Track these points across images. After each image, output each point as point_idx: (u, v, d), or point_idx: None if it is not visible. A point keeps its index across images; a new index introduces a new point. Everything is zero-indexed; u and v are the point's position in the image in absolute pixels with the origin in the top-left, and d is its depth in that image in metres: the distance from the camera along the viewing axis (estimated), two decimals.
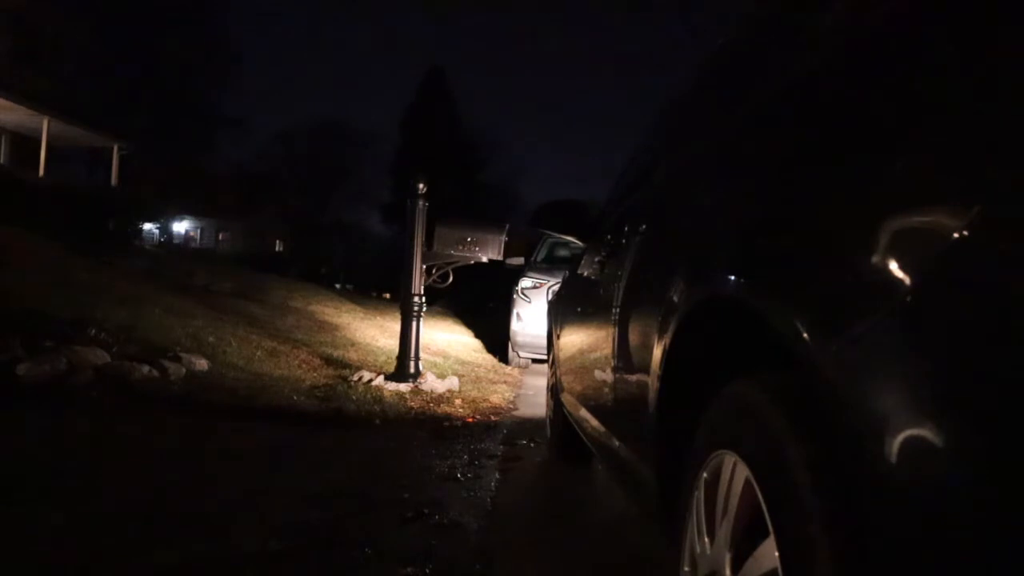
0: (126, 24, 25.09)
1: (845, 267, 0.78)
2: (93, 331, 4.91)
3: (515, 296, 8.56)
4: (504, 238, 6.14)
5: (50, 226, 10.58)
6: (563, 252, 8.55)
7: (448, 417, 4.71)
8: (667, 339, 1.36)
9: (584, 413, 2.55)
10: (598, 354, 2.25)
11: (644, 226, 1.94)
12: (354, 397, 4.98)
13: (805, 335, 0.81)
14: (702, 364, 1.30)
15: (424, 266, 5.85)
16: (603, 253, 2.47)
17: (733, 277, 1.12)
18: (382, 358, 7.05)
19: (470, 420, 4.70)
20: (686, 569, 1.19)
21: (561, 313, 3.57)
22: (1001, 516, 0.57)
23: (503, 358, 8.88)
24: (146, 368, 4.51)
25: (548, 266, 8.67)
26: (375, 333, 9.42)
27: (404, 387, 5.39)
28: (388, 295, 16.98)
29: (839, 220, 0.82)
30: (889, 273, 0.68)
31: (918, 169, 0.70)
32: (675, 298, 1.35)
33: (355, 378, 5.60)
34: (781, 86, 1.22)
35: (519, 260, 9.42)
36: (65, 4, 21.36)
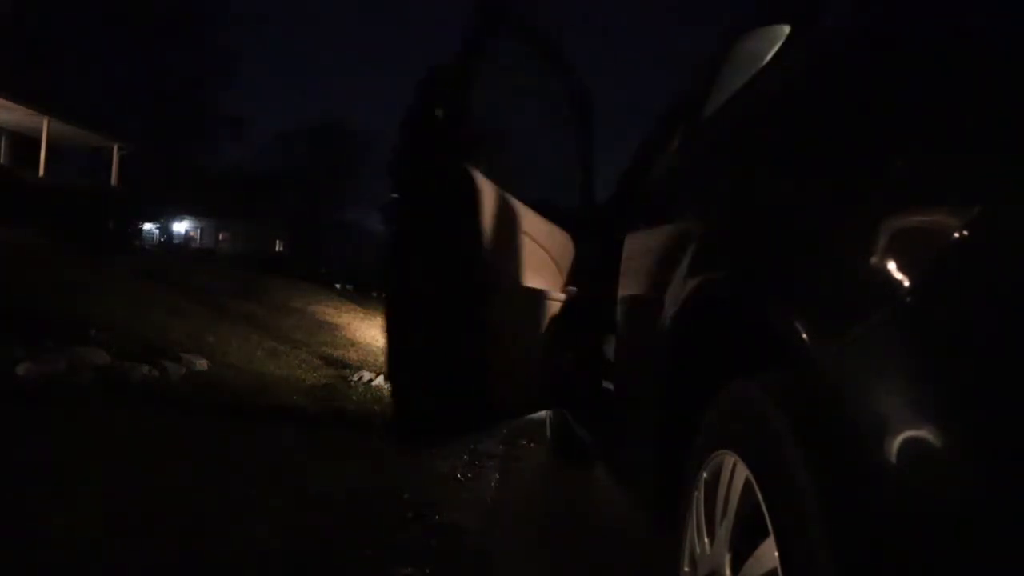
0: (127, 24, 25.09)
1: (845, 267, 0.78)
2: (93, 331, 4.91)
3: None
4: None
5: (50, 226, 10.57)
6: None
7: None
8: (667, 340, 1.36)
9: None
10: None
11: (644, 225, 1.95)
12: (354, 397, 4.98)
13: (805, 335, 0.81)
14: (702, 364, 1.30)
15: None
16: (602, 251, 2.47)
17: (734, 277, 1.12)
18: (382, 358, 7.05)
19: None
20: (686, 569, 1.19)
21: None
22: (1001, 516, 0.57)
23: None
24: (146, 368, 4.51)
25: None
26: (375, 333, 9.42)
27: None
28: None
29: (839, 220, 0.82)
30: (889, 273, 0.68)
31: (918, 169, 0.71)
32: (675, 298, 1.35)
33: (355, 378, 5.61)
34: (782, 85, 1.22)
35: None
36: (66, 4, 21.36)
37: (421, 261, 1.94)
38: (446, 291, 1.91)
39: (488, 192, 1.96)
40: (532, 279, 2.21)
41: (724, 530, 1.02)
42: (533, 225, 2.29)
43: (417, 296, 1.95)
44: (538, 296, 2.23)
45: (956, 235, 0.62)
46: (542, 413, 4.07)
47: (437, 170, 1.97)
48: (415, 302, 1.95)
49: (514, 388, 2.18)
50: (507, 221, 2.08)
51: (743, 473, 0.96)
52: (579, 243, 2.74)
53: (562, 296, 2.44)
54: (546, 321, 2.30)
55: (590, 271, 2.67)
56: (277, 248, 36.37)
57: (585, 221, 2.82)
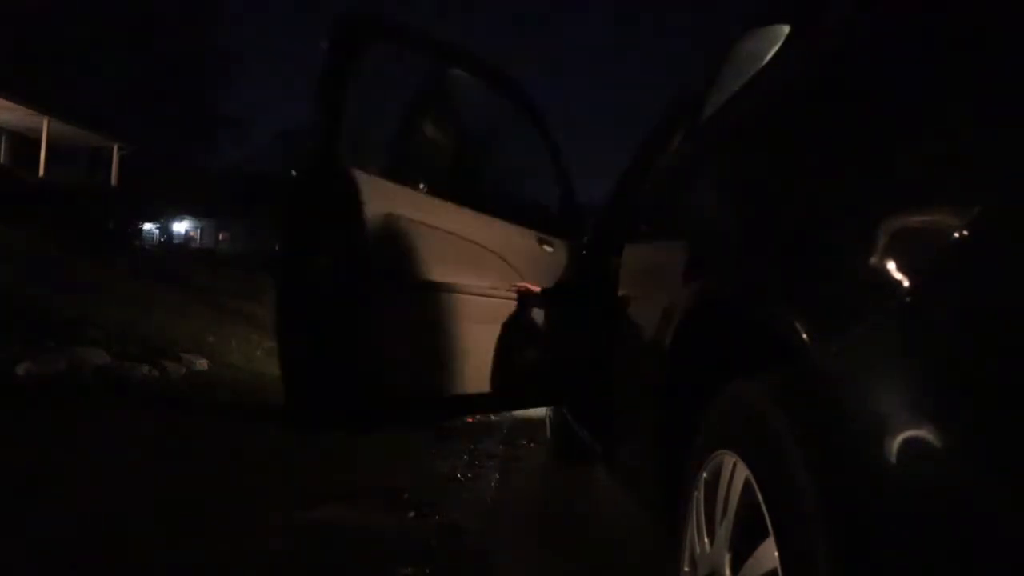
0: (126, 24, 25.09)
1: (845, 268, 0.78)
2: (93, 331, 4.91)
3: None
4: None
5: (50, 226, 10.58)
6: None
7: None
8: (667, 340, 1.36)
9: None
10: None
11: (643, 227, 1.95)
12: None
13: (805, 336, 0.81)
14: (702, 364, 1.30)
15: None
16: (600, 252, 2.47)
17: (734, 278, 1.12)
18: None
19: (470, 420, 4.70)
20: (686, 569, 1.19)
21: None
22: (999, 515, 0.57)
23: None
24: (146, 368, 4.51)
25: None
26: None
27: None
28: None
29: (839, 221, 0.82)
30: (889, 273, 0.69)
31: (918, 169, 0.71)
32: (675, 299, 1.35)
33: None
34: (782, 85, 1.22)
35: None
36: (66, 5, 21.36)
37: (303, 255, 2.02)
38: (325, 283, 1.97)
39: (371, 191, 1.98)
40: (449, 273, 2.18)
41: (724, 530, 1.02)
42: (457, 222, 2.27)
43: (298, 287, 2.00)
44: (452, 289, 2.20)
45: (956, 235, 0.62)
46: (542, 413, 4.07)
47: (314, 171, 2.04)
48: (297, 292, 2.00)
49: (424, 383, 2.17)
50: (404, 217, 2.08)
51: (743, 473, 0.96)
52: (571, 243, 2.73)
53: (508, 293, 2.40)
54: (475, 316, 2.27)
55: (581, 271, 2.66)
56: (277, 248, 36.28)
57: (571, 220, 2.79)
